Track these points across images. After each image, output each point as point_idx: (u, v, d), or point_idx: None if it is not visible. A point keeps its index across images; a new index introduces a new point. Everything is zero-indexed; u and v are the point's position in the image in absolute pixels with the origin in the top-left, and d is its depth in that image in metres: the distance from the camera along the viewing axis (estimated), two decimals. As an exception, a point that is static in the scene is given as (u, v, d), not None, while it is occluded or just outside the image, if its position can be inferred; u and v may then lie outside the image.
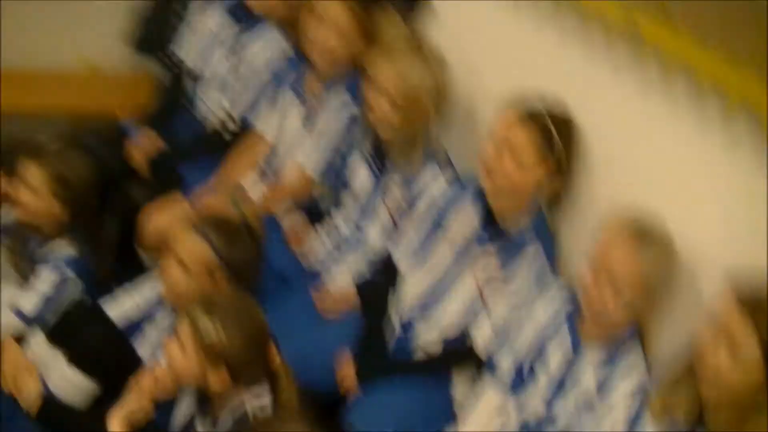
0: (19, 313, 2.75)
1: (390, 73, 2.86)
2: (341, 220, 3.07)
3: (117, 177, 3.23)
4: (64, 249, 2.87)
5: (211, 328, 2.24)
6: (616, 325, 2.37)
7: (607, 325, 2.38)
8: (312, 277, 3.00)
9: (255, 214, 2.78)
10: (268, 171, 3.26)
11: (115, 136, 3.46)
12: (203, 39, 3.51)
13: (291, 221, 3.11)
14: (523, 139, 2.52)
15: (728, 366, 2.02)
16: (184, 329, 2.27)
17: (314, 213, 3.16)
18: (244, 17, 3.42)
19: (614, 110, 2.55)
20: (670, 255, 2.35)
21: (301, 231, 3.10)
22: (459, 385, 2.66)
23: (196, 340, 2.24)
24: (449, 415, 2.62)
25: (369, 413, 2.55)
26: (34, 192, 2.84)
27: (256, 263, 2.70)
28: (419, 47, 2.98)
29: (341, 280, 2.95)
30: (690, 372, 2.17)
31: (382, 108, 2.87)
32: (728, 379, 2.03)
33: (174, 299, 2.62)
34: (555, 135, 2.54)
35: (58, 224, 2.88)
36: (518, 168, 2.53)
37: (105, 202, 3.02)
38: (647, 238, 2.34)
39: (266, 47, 3.36)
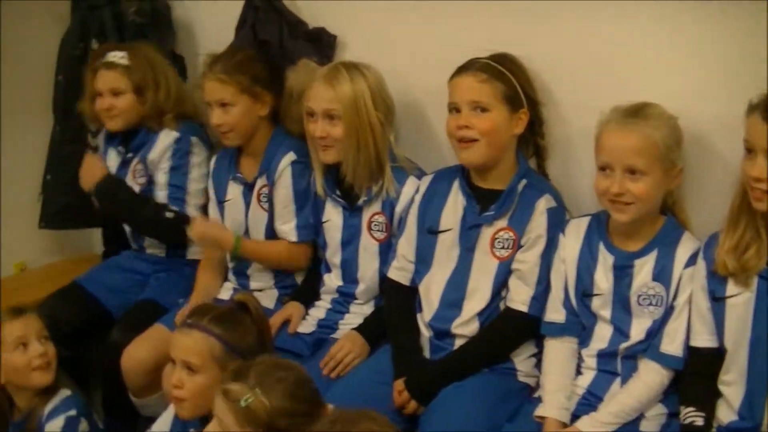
0: None
1: (317, 92, 2.79)
2: (332, 277, 2.98)
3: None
4: (56, 399, 2.77)
5: (249, 393, 2.08)
6: (645, 204, 2.34)
7: (635, 211, 2.34)
8: (319, 343, 2.91)
9: (245, 296, 2.58)
10: (241, 271, 3.15)
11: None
12: None
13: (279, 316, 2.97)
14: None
15: None
16: (220, 407, 2.11)
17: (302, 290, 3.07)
18: (121, 141, 3.34)
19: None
20: (669, 120, 2.35)
21: (292, 315, 2.96)
22: (517, 358, 2.61)
23: (238, 415, 2.08)
24: (519, 389, 2.58)
25: (440, 423, 2.44)
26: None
27: (264, 342, 2.51)
28: (337, 68, 2.84)
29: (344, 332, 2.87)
30: (741, 212, 2.21)
31: (325, 129, 2.78)
32: None
33: (193, 411, 2.44)
34: None
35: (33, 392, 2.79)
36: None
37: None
38: (638, 113, 2.34)
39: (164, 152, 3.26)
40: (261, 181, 3.04)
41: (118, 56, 3.23)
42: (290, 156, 2.99)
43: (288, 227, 3.00)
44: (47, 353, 2.77)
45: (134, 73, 3.22)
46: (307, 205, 2.99)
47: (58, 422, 2.70)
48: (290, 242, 3.02)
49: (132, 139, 3.30)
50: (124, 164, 3.33)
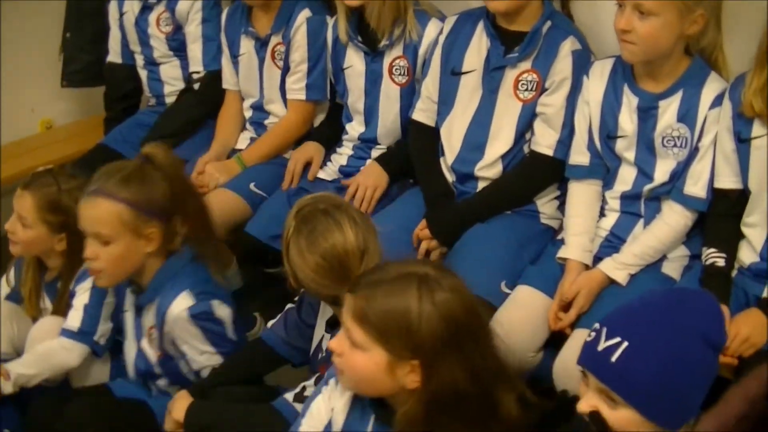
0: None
1: None
2: (354, 125, 2.97)
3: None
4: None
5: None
6: (650, 47, 2.29)
7: (638, 52, 2.30)
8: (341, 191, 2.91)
9: (151, 148, 2.43)
10: (258, 120, 3.16)
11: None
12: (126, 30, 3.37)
13: (293, 163, 2.96)
14: None
15: None
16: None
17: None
18: None
19: None
20: None
21: (312, 156, 2.98)
22: (540, 200, 2.62)
23: None
24: (542, 231, 2.60)
25: (464, 265, 2.41)
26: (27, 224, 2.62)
27: (176, 192, 2.36)
28: None
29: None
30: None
31: None
32: None
33: (112, 280, 2.42)
34: None
35: (60, 255, 2.69)
36: None
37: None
38: None
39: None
40: (276, 39, 3.02)
41: None
42: (306, 12, 2.97)
43: (299, 86, 3.00)
44: None
45: None
46: (320, 64, 2.98)
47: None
48: (299, 101, 3.02)
49: None
50: (146, 9, 3.28)
